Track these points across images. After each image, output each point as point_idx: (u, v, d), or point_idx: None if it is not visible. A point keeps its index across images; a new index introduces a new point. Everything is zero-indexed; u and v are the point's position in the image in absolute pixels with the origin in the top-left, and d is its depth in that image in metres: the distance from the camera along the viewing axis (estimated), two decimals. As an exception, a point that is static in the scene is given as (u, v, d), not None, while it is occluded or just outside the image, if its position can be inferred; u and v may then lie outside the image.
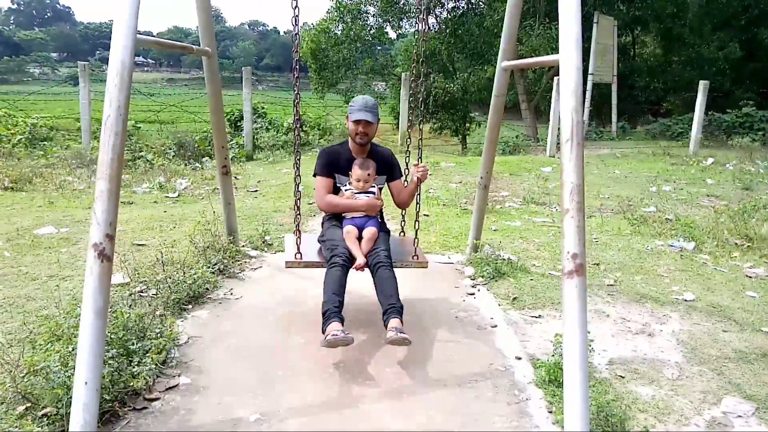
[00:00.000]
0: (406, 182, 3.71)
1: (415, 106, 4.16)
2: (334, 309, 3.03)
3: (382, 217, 3.72)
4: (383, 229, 3.57)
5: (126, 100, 2.25)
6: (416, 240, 3.68)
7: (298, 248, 3.42)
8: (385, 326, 3.04)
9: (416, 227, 3.67)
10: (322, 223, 3.70)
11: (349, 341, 2.90)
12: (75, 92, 12.19)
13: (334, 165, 3.58)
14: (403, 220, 4.01)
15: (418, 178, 3.52)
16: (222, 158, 4.44)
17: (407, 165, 3.69)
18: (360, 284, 3.57)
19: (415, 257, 3.58)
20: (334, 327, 2.93)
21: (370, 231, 3.39)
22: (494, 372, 3.01)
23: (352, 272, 3.28)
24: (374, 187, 3.57)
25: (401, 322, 3.04)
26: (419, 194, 3.65)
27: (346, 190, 3.56)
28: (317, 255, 3.51)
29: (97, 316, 2.09)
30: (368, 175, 3.50)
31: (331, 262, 3.23)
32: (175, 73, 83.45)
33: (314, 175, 3.61)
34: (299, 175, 3.39)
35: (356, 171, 3.50)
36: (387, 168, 3.67)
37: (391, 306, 3.09)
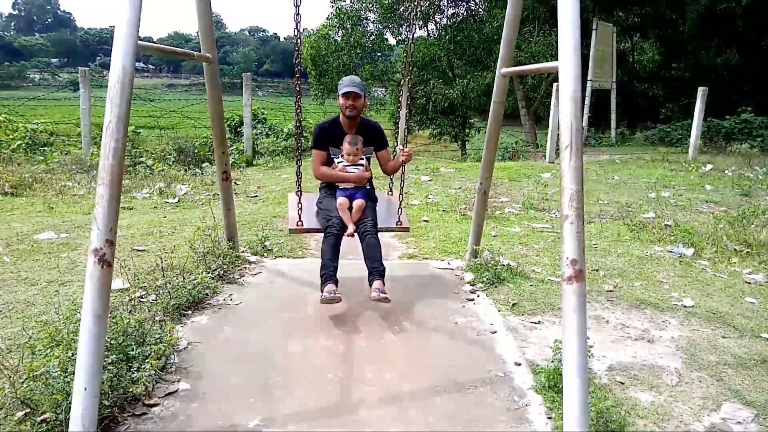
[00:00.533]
0: (394, 153, 4.27)
1: (405, 104, 4.97)
2: (329, 273, 3.62)
3: (371, 184, 4.22)
4: (371, 198, 4.08)
5: (127, 106, 2.26)
6: (400, 207, 4.16)
7: (300, 217, 3.94)
8: (370, 285, 3.63)
9: (400, 197, 4.18)
10: (320, 189, 4.24)
11: (337, 300, 3.51)
12: (75, 98, 12.23)
13: (328, 139, 4.05)
14: (391, 182, 4.68)
15: (403, 160, 4.04)
16: (222, 164, 4.45)
17: (395, 148, 4.32)
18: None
19: (399, 223, 4.14)
20: (329, 288, 3.54)
21: (358, 203, 3.91)
22: (493, 378, 3.01)
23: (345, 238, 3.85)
24: (363, 159, 4.06)
25: (383, 283, 3.61)
26: (403, 171, 4.27)
27: (338, 163, 4.05)
28: (315, 220, 4.07)
29: (96, 321, 2.09)
30: (357, 149, 3.99)
31: (327, 231, 3.79)
32: (175, 78, 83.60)
33: (311, 148, 4.13)
34: (301, 139, 3.95)
35: (346, 146, 3.99)
36: (375, 139, 4.16)
37: (375, 269, 3.66)
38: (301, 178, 3.96)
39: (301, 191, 3.96)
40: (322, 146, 4.07)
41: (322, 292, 3.56)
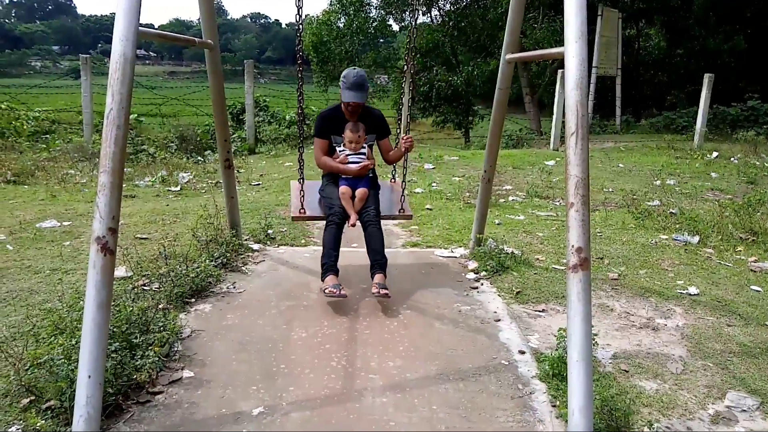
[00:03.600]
0: (396, 141, 4.20)
1: (408, 92, 4.67)
2: (330, 263, 3.64)
3: (374, 172, 4.18)
4: (374, 186, 4.06)
5: (128, 93, 2.24)
6: (403, 195, 4.15)
7: (302, 204, 3.96)
8: (372, 277, 3.66)
9: (403, 185, 4.20)
10: (322, 177, 4.20)
11: (343, 296, 3.48)
12: (77, 85, 12.17)
13: (330, 128, 4.01)
14: (394, 169, 4.64)
15: (405, 148, 3.99)
16: (224, 152, 4.43)
17: (398, 137, 4.24)
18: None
19: (402, 210, 4.13)
20: (331, 281, 3.55)
21: (360, 192, 3.88)
22: (498, 366, 3.01)
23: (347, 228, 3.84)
24: (365, 147, 4.00)
25: (384, 276, 3.65)
26: (406, 159, 4.18)
27: (340, 152, 4.00)
28: (318, 208, 4.05)
29: (100, 309, 2.09)
30: (359, 137, 3.94)
31: (329, 220, 3.79)
32: (177, 66, 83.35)
33: (313, 136, 4.08)
34: (303, 127, 4.01)
35: (347, 134, 3.94)
36: (377, 128, 4.10)
37: (377, 261, 3.69)
38: (303, 165, 3.98)
39: (303, 178, 3.96)
40: (324, 135, 4.03)
41: (323, 281, 3.60)
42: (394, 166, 4.55)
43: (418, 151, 10.65)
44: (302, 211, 3.96)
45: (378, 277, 3.62)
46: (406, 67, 4.75)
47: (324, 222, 3.87)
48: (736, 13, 20.47)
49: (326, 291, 3.50)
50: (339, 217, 3.78)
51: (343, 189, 3.86)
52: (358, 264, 4.16)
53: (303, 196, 3.96)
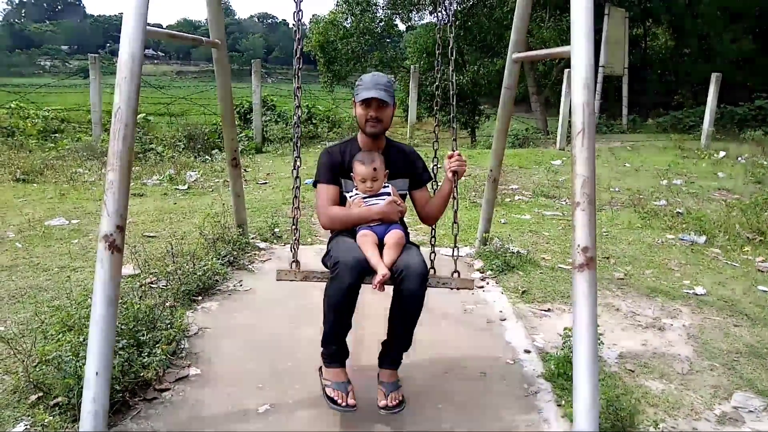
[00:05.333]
0: (435, 186, 2.84)
1: (433, 100, 2.84)
2: (334, 351, 2.52)
3: (405, 226, 2.76)
4: (411, 243, 2.70)
5: (136, 92, 2.25)
6: (456, 252, 2.73)
7: (295, 256, 2.67)
8: (379, 374, 2.57)
9: (455, 238, 2.74)
10: (328, 243, 2.77)
11: (350, 409, 2.37)
12: (86, 84, 12.25)
13: (340, 167, 2.69)
14: (433, 237, 2.86)
15: (454, 171, 2.65)
16: (231, 151, 4.45)
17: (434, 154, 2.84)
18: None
19: (457, 273, 2.67)
20: (335, 376, 2.49)
21: (395, 235, 2.53)
22: (503, 365, 3.01)
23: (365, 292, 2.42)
24: (387, 186, 2.68)
25: (396, 372, 2.55)
26: (455, 196, 2.71)
27: (351, 198, 2.67)
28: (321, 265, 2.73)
29: (107, 306, 2.10)
30: (374, 170, 2.59)
31: (336, 272, 2.34)
32: (184, 65, 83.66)
33: (314, 184, 2.75)
34: (298, 169, 2.67)
35: (357, 168, 2.61)
36: (409, 168, 2.79)
37: (396, 347, 2.55)
38: (299, 185, 2.68)
39: (298, 230, 2.68)
40: (331, 178, 2.68)
41: (321, 370, 2.57)
42: (434, 228, 2.87)
43: (423, 151, 10.63)
44: (294, 264, 2.66)
45: (387, 375, 2.53)
46: (437, 67, 2.89)
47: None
48: (743, 13, 20.32)
49: (327, 391, 2.43)
50: (354, 264, 2.34)
51: (365, 232, 2.55)
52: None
53: (297, 246, 2.68)
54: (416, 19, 22.76)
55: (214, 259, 4.08)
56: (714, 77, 11.63)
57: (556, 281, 4.13)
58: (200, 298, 3.67)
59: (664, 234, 5.47)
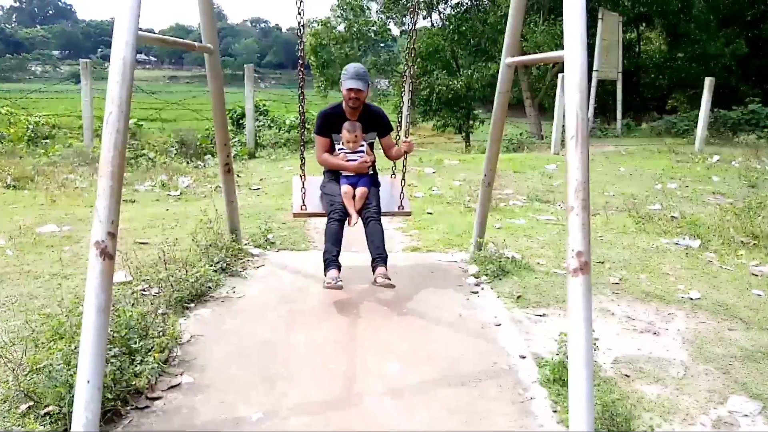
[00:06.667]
0: (398, 138, 4.27)
1: (408, 97, 4.63)
2: (332, 258, 3.68)
3: (374, 169, 4.23)
4: (374, 183, 4.13)
5: (128, 98, 2.24)
6: (402, 192, 4.20)
7: (303, 201, 4.05)
8: (373, 270, 3.68)
9: (402, 183, 4.23)
10: (323, 174, 4.28)
11: (339, 287, 3.54)
12: (77, 90, 12.19)
13: (330, 125, 4.09)
14: (394, 166, 4.63)
15: (405, 150, 4.10)
16: (224, 156, 4.43)
17: (397, 140, 4.29)
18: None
19: (401, 207, 4.20)
20: (332, 274, 3.58)
21: (360, 190, 3.95)
22: (498, 371, 2.99)
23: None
24: (363, 145, 4.08)
25: (386, 268, 3.68)
26: (405, 160, 4.25)
27: (339, 149, 4.10)
28: (319, 204, 4.11)
29: (99, 314, 2.08)
30: (355, 136, 4.01)
31: (330, 217, 3.84)
32: (177, 70, 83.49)
33: (314, 134, 4.17)
34: (304, 126, 4.11)
35: (344, 133, 4.02)
36: (378, 125, 4.19)
37: (378, 255, 3.74)
38: (304, 163, 4.09)
39: (304, 175, 4.06)
40: (325, 133, 4.13)
41: (325, 275, 3.64)
42: (395, 163, 4.61)
43: (418, 155, 10.64)
44: (303, 207, 4.04)
45: (380, 269, 3.66)
46: (405, 69, 4.69)
47: (324, 221, 3.93)
48: (736, 17, 20.49)
49: (325, 284, 3.56)
50: (340, 214, 3.84)
51: (345, 188, 3.93)
52: (358, 265, 4.15)
53: (304, 192, 4.06)
54: (410, 23, 22.82)
55: (207, 265, 4.05)
56: (707, 82, 11.71)
57: (551, 286, 4.12)
58: (193, 305, 3.64)
59: (658, 238, 5.48)
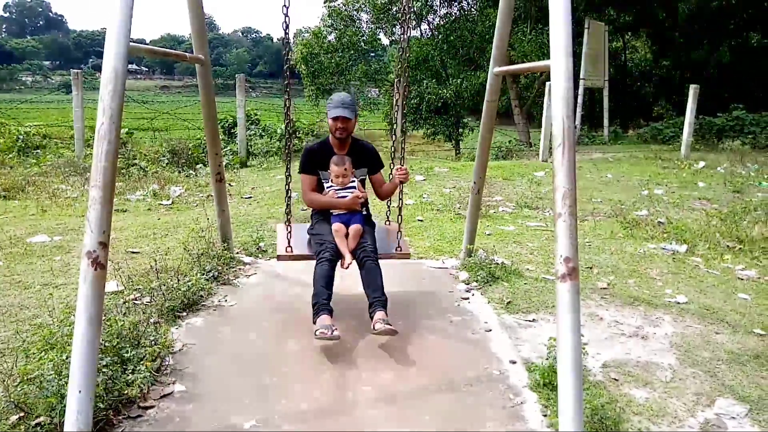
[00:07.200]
0: (391, 174, 3.78)
1: (404, 114, 3.99)
2: (323, 302, 3.27)
3: (367, 209, 3.87)
4: (368, 222, 3.77)
5: (119, 108, 2.25)
6: (399, 232, 3.80)
7: (289, 241, 3.62)
8: (371, 317, 3.26)
9: (399, 220, 3.81)
10: (311, 216, 3.91)
11: (335, 338, 3.10)
12: (68, 100, 12.17)
13: (317, 162, 3.76)
14: (388, 209, 4.13)
15: (399, 180, 3.69)
16: (216, 165, 4.44)
17: (392, 165, 3.82)
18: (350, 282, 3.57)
19: (398, 249, 3.78)
20: (323, 321, 3.17)
21: (354, 228, 3.57)
22: (489, 376, 3.02)
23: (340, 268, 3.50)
24: (354, 180, 3.73)
25: (386, 314, 3.25)
26: (401, 191, 3.82)
27: (328, 188, 3.73)
28: (307, 248, 3.73)
29: (90, 324, 2.08)
30: (345, 170, 3.65)
31: (320, 257, 3.45)
32: (168, 80, 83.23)
33: (299, 173, 3.79)
34: (289, 173, 3.62)
35: (333, 168, 3.67)
36: (368, 161, 3.85)
37: (377, 299, 3.31)
38: (290, 191, 3.67)
39: (290, 220, 3.65)
40: (311, 170, 3.77)
41: (315, 321, 3.22)
42: (388, 206, 4.13)
43: (409, 163, 10.68)
44: (289, 249, 3.63)
45: (380, 314, 3.24)
46: (396, 81, 4.16)
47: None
48: (719, 26, 20.79)
49: (317, 333, 3.11)
50: (331, 254, 3.46)
51: (337, 226, 3.57)
52: (350, 299, 3.91)
53: (290, 233, 3.64)
54: (399, 33, 22.96)
55: (199, 274, 4.06)
56: (692, 89, 11.87)
57: (541, 292, 4.16)
58: (185, 314, 3.65)
59: (645, 244, 5.55)
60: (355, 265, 3.51)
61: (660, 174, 9.87)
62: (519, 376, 3.01)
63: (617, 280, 4.52)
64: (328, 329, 3.09)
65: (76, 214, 6.32)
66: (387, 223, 4.24)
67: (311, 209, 3.92)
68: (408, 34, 3.80)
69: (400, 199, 3.82)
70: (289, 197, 3.67)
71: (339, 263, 3.50)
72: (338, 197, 3.70)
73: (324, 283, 3.34)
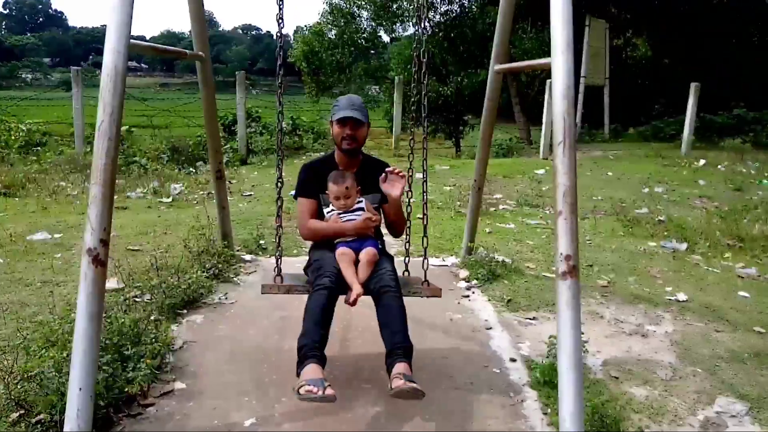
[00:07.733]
0: (408, 200, 3.07)
1: (416, 113, 3.42)
2: (312, 345, 2.45)
3: (382, 241, 3.04)
4: (385, 253, 2.96)
5: (119, 105, 2.25)
6: (425, 262, 3.03)
7: (279, 270, 2.90)
8: (389, 371, 2.48)
9: (425, 251, 3.06)
10: (310, 251, 3.05)
11: (329, 399, 2.25)
12: (68, 97, 12.14)
13: (318, 182, 2.95)
14: (407, 245, 3.23)
15: (398, 193, 2.93)
16: (216, 163, 4.44)
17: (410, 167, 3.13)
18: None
19: (425, 283, 2.98)
20: (311, 374, 2.34)
21: (369, 252, 2.75)
22: (489, 374, 3.02)
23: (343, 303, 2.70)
24: (361, 202, 2.92)
25: (410, 367, 2.48)
26: (426, 209, 3.14)
27: (328, 213, 2.93)
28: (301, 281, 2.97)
29: (91, 321, 2.08)
30: (346, 189, 2.83)
31: (316, 284, 2.60)
32: (168, 77, 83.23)
33: (295, 197, 3.05)
34: (281, 187, 2.97)
35: (331, 187, 2.85)
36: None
37: (398, 345, 2.53)
38: (281, 186, 3.01)
39: (281, 247, 2.98)
40: (310, 192, 2.96)
41: (298, 373, 2.41)
42: (407, 248, 3.21)
43: (407, 163, 10.67)
44: (278, 278, 2.90)
45: (400, 367, 2.45)
46: (415, 76, 3.49)
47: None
48: (721, 24, 20.74)
49: (302, 390, 2.28)
50: (332, 280, 2.63)
51: (343, 249, 2.77)
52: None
53: (280, 259, 2.94)
54: (400, 30, 22.95)
55: (199, 272, 4.06)
56: (693, 87, 11.86)
57: (541, 289, 4.16)
58: (185, 311, 3.65)
59: (646, 242, 5.54)
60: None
61: (660, 172, 9.86)
62: (519, 374, 3.02)
63: (617, 278, 4.52)
64: (317, 386, 2.26)
65: (76, 211, 6.32)
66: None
67: (309, 244, 3.09)
68: (424, 26, 3.21)
69: (425, 215, 3.14)
70: (280, 207, 3.02)
71: (346, 296, 2.70)
72: (344, 221, 2.88)
73: (318, 319, 2.51)
